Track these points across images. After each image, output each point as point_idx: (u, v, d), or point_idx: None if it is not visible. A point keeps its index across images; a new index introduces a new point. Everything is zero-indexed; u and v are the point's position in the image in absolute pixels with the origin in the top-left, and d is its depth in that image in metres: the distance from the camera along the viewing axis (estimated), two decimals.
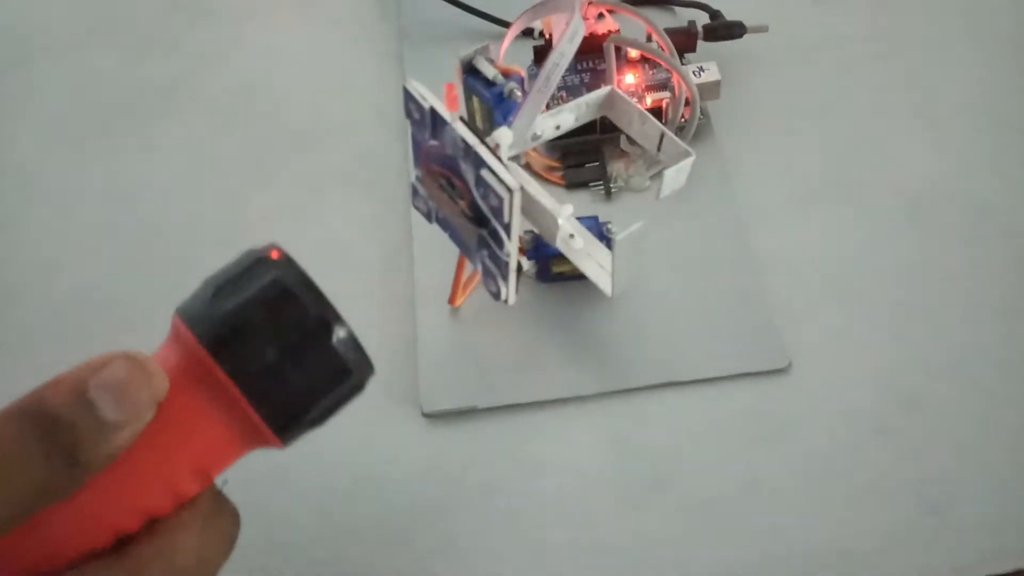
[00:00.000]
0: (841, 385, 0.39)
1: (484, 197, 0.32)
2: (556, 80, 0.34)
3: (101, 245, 0.45)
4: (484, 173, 0.31)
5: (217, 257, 0.43)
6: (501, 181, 0.31)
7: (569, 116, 0.37)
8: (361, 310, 0.41)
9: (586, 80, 0.46)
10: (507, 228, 0.32)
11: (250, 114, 0.49)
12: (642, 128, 0.36)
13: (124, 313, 0.42)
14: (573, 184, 0.45)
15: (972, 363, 0.39)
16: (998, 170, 0.45)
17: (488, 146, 0.32)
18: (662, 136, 0.36)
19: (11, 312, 0.43)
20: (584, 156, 0.45)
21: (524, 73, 0.36)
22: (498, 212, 0.31)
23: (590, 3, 0.45)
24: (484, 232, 0.33)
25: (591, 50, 0.45)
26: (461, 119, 0.32)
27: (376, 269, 0.43)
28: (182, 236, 0.45)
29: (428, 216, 0.37)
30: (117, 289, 0.43)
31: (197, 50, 0.52)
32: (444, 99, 0.32)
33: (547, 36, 0.47)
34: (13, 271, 0.44)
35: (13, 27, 0.54)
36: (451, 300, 0.41)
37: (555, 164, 0.45)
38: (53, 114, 0.50)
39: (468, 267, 0.39)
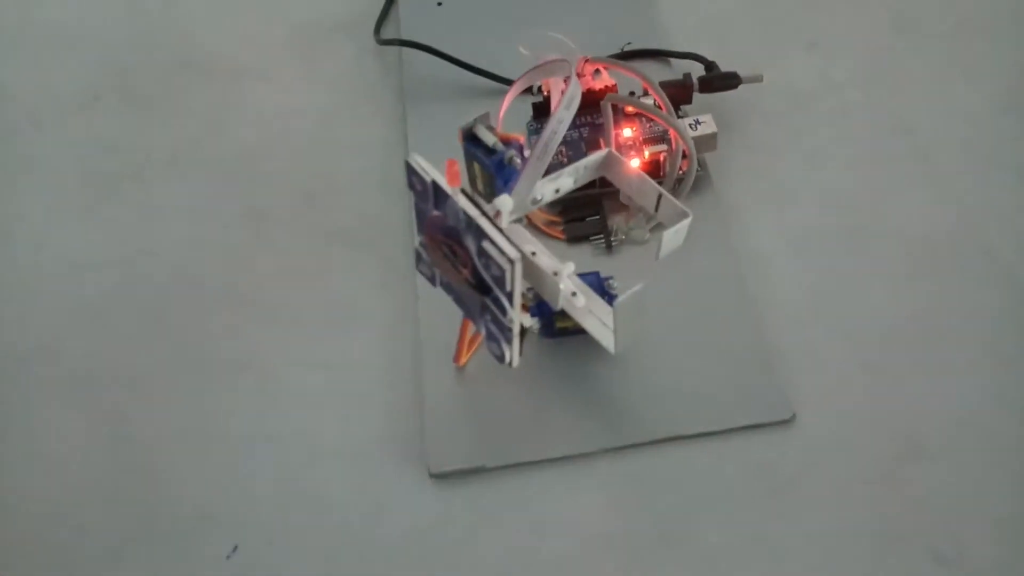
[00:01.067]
0: (846, 435, 0.39)
1: (486, 267, 0.32)
2: (555, 147, 0.35)
3: (109, 309, 0.45)
4: (486, 245, 0.32)
5: (225, 319, 0.44)
6: (502, 252, 0.31)
7: (568, 180, 0.37)
8: (369, 370, 0.42)
9: (584, 135, 0.47)
10: (510, 296, 0.32)
11: (255, 174, 0.50)
12: (640, 189, 0.37)
13: (132, 378, 0.43)
14: (574, 238, 0.45)
15: (978, 409, 0.39)
16: (998, 213, 0.45)
17: (489, 216, 0.32)
18: (659, 197, 0.36)
19: (19, 380, 0.43)
20: (584, 210, 0.46)
21: (523, 139, 0.37)
22: (500, 281, 0.32)
23: (586, 61, 0.46)
24: (487, 299, 0.34)
25: (589, 105, 0.46)
26: (463, 191, 0.33)
27: (382, 329, 0.44)
28: (189, 299, 0.46)
29: (432, 280, 0.38)
30: (125, 354, 0.44)
31: (201, 112, 0.53)
32: (445, 173, 0.32)
33: (545, 93, 0.47)
34: (23, 338, 0.45)
35: (21, 92, 0.56)
36: (456, 359, 0.41)
37: (555, 219, 0.46)
38: (60, 179, 0.51)
39: (472, 328, 0.40)
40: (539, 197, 0.37)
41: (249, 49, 0.56)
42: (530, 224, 0.45)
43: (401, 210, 0.48)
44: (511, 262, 0.31)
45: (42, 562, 0.38)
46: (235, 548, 0.38)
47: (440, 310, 0.41)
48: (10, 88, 0.56)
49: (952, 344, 0.41)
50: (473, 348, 0.41)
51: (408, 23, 0.56)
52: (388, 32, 0.56)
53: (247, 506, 0.39)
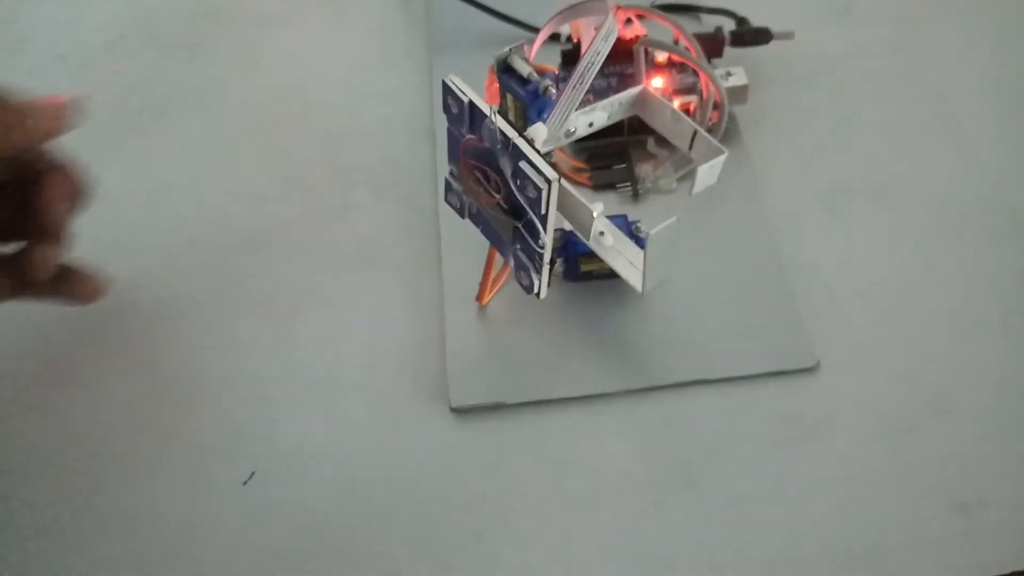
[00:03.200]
0: (869, 385, 0.39)
1: (522, 189, 0.32)
2: (591, 77, 0.34)
3: (135, 243, 0.45)
4: (523, 164, 0.31)
5: (249, 258, 0.44)
6: (540, 172, 0.31)
7: (602, 114, 0.37)
8: (391, 308, 0.42)
9: (613, 84, 0.46)
10: (543, 219, 0.32)
11: (280, 118, 0.50)
12: (675, 127, 0.37)
13: (158, 311, 0.43)
14: (600, 185, 0.45)
15: (1001, 365, 0.39)
16: (1022, 177, 0.45)
17: (526, 139, 0.32)
18: (695, 134, 0.36)
19: (50, 312, 0.43)
20: (611, 158, 0.45)
21: (558, 71, 0.36)
22: (535, 203, 0.32)
23: (619, 7, 0.46)
24: (519, 224, 0.34)
25: (619, 55, 0.46)
26: (498, 112, 0.32)
27: (405, 268, 0.43)
28: (214, 235, 0.45)
29: (460, 211, 0.38)
30: (149, 286, 0.44)
31: (226, 56, 0.53)
32: (484, 95, 0.32)
33: (575, 40, 0.47)
34: None
35: (47, 32, 0.55)
36: (479, 298, 0.41)
37: (582, 165, 0.45)
38: (85, 117, 0.51)
39: (496, 264, 0.40)
40: (573, 129, 0.36)
41: None
42: (556, 169, 0.45)
43: (425, 155, 0.47)
44: (548, 181, 0.31)
45: (70, 485, 0.38)
46: (252, 474, 0.38)
47: (463, 250, 0.41)
48: (34, 27, 0.56)
49: (976, 302, 0.41)
50: (496, 287, 0.41)
51: None
52: None
53: (267, 436, 0.39)
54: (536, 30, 0.49)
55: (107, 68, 0.53)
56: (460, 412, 0.39)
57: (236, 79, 0.52)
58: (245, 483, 0.37)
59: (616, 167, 0.45)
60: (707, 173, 0.35)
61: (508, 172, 0.32)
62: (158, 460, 0.38)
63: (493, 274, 0.40)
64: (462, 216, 0.38)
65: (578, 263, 0.41)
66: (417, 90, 0.50)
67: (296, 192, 0.47)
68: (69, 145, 0.49)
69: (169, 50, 0.54)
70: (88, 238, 0.45)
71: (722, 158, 0.35)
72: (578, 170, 0.45)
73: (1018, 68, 0.50)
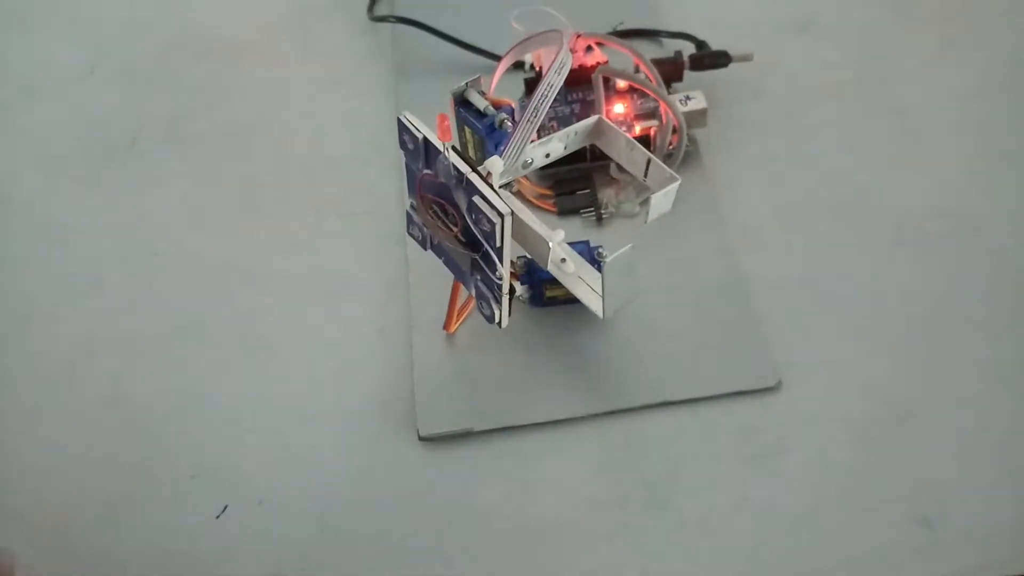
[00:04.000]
0: (831, 401, 0.40)
1: (476, 223, 0.33)
2: (544, 110, 0.35)
3: (105, 278, 0.46)
4: (476, 200, 0.32)
5: (218, 289, 0.44)
6: (492, 207, 0.32)
7: (558, 144, 0.38)
8: (360, 337, 0.43)
9: (576, 111, 0.47)
10: (499, 252, 0.33)
11: (249, 148, 0.51)
12: (629, 155, 0.38)
13: (128, 344, 0.43)
14: (565, 211, 0.46)
15: (961, 377, 0.40)
16: (982, 188, 0.46)
17: (480, 174, 0.33)
18: (648, 162, 0.37)
19: (17, 345, 0.43)
20: (575, 184, 0.46)
21: (514, 104, 0.37)
22: (490, 236, 0.32)
23: (579, 36, 0.46)
24: (477, 256, 0.34)
25: (581, 81, 0.47)
26: (453, 148, 0.33)
27: (373, 297, 0.44)
28: (183, 268, 0.46)
29: (423, 243, 0.38)
30: (121, 321, 0.44)
31: (196, 86, 0.54)
32: (437, 130, 0.33)
33: (537, 68, 0.48)
34: (18, 304, 0.45)
35: (16, 65, 0.56)
36: (446, 327, 0.41)
37: (546, 192, 0.46)
38: (57, 150, 0.52)
39: (462, 295, 0.40)
40: (529, 160, 0.37)
41: (244, 26, 0.57)
42: (520, 196, 0.46)
43: (391, 182, 0.48)
44: (501, 216, 0.31)
45: (37, 523, 0.38)
46: (225, 508, 0.38)
47: (430, 279, 0.42)
48: (4, 62, 0.56)
49: (938, 316, 0.42)
50: (463, 316, 0.41)
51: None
52: (381, 9, 0.56)
53: (238, 468, 0.39)
54: (499, 58, 0.50)
55: (78, 102, 0.54)
56: (429, 440, 0.39)
57: (206, 111, 0.52)
58: (218, 517, 0.38)
59: (579, 193, 0.46)
60: (661, 201, 0.36)
61: (463, 206, 0.33)
62: (130, 494, 0.39)
63: (459, 303, 0.41)
64: (424, 248, 0.38)
65: (542, 289, 0.41)
66: (383, 118, 0.51)
67: (265, 222, 0.47)
68: (40, 186, 0.50)
69: (140, 82, 0.54)
70: (54, 276, 0.46)
71: (675, 185, 0.36)
72: (542, 196, 0.46)
73: (976, 80, 0.51)
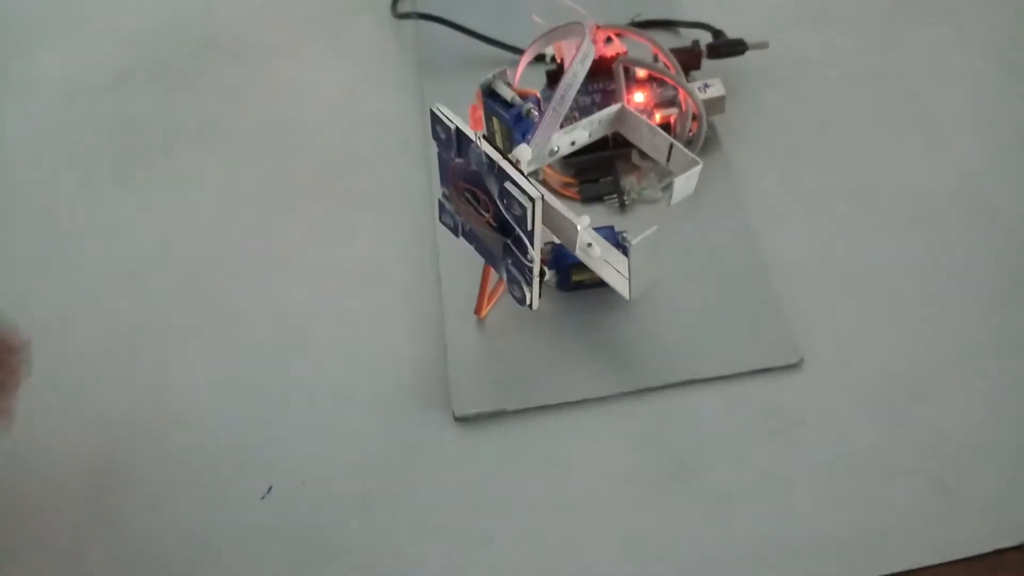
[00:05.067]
0: (851, 377, 0.41)
1: (508, 208, 0.34)
2: (570, 99, 0.36)
3: (145, 276, 0.47)
4: (508, 185, 0.33)
5: (257, 280, 0.46)
6: (524, 191, 0.33)
7: (583, 132, 0.39)
8: (395, 324, 0.44)
9: (597, 100, 0.49)
10: (530, 235, 0.34)
11: (281, 146, 0.52)
12: (652, 141, 0.39)
13: (169, 335, 0.45)
14: (588, 198, 0.47)
15: (975, 352, 0.41)
16: (996, 172, 0.47)
17: (510, 161, 0.34)
18: (671, 147, 0.38)
19: (64, 344, 0.45)
20: (598, 171, 0.47)
21: (539, 95, 0.39)
22: (521, 220, 0.34)
23: (599, 28, 0.48)
24: (508, 241, 0.36)
25: (601, 72, 0.48)
26: (484, 137, 0.35)
27: (407, 285, 0.45)
28: (222, 262, 0.47)
29: (455, 230, 0.40)
30: (163, 314, 0.46)
31: (228, 88, 0.55)
32: (468, 120, 0.34)
33: (558, 61, 0.49)
34: (64, 304, 0.47)
35: (54, 72, 0.58)
36: (477, 311, 0.43)
37: (571, 180, 0.47)
38: (94, 154, 0.53)
39: (492, 280, 0.42)
40: (555, 148, 0.38)
41: (272, 27, 0.58)
42: (546, 184, 0.47)
43: (420, 176, 0.50)
44: (532, 200, 0.33)
45: (88, 508, 0.40)
46: (270, 489, 0.40)
47: (461, 266, 0.43)
48: (44, 68, 0.58)
49: (953, 294, 0.43)
50: (493, 300, 0.43)
51: None
52: (404, 6, 0.58)
53: (281, 450, 0.41)
54: (520, 51, 0.52)
55: (114, 106, 0.55)
56: (464, 420, 0.41)
57: (238, 111, 0.54)
58: (263, 497, 0.40)
59: (603, 180, 0.47)
60: (684, 184, 0.37)
61: (495, 192, 0.35)
62: (180, 475, 0.40)
63: (489, 288, 0.42)
64: (456, 235, 0.40)
65: (569, 273, 0.43)
66: (410, 114, 0.53)
67: (299, 218, 0.49)
68: (78, 190, 0.51)
69: (174, 85, 0.56)
70: (98, 275, 0.48)
71: (697, 168, 0.37)
72: (567, 185, 0.47)
73: (988, 65, 0.52)
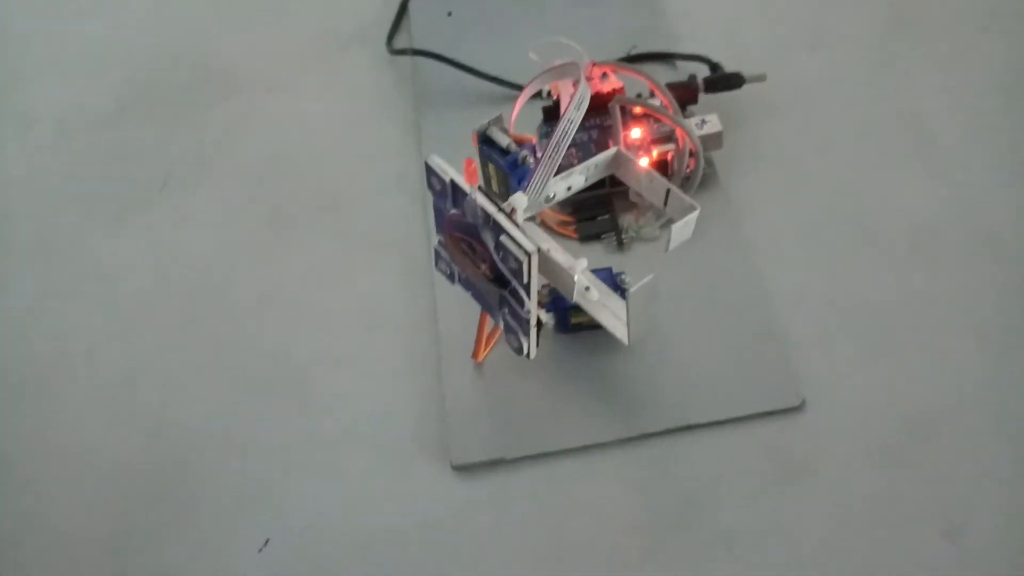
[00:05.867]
0: (855, 419, 0.40)
1: (504, 260, 0.34)
2: (565, 146, 0.36)
3: (143, 314, 0.47)
4: (503, 239, 0.33)
5: (254, 321, 0.46)
6: (519, 245, 0.33)
7: (579, 178, 0.39)
8: (392, 367, 0.44)
9: (594, 137, 0.48)
10: (526, 288, 0.34)
11: (277, 182, 0.52)
12: (649, 185, 0.39)
13: (168, 382, 0.45)
14: (586, 237, 0.47)
15: (982, 388, 0.41)
16: (998, 199, 0.47)
17: (505, 212, 0.34)
18: (668, 192, 0.38)
19: (58, 385, 0.45)
20: (595, 209, 0.47)
21: (535, 139, 0.38)
22: (517, 274, 0.33)
23: (594, 64, 0.47)
24: (505, 292, 0.35)
25: (598, 108, 0.47)
26: (479, 188, 0.34)
27: (404, 327, 0.45)
28: (219, 302, 0.47)
29: (451, 278, 0.39)
30: (160, 356, 0.46)
31: (224, 123, 0.55)
32: (464, 172, 0.34)
33: (555, 96, 0.49)
34: (61, 344, 0.47)
35: (50, 105, 0.58)
36: (475, 355, 0.43)
37: (568, 219, 0.47)
38: (92, 189, 0.53)
39: (489, 322, 0.41)
40: (552, 195, 0.38)
41: (268, 62, 0.58)
42: (543, 224, 0.47)
43: (418, 213, 0.49)
44: (527, 254, 0.32)
45: (88, 553, 0.39)
46: (267, 541, 0.39)
47: (458, 308, 0.43)
48: (41, 104, 0.58)
49: (958, 328, 0.43)
50: (491, 344, 0.42)
51: (419, 33, 0.57)
52: (400, 42, 0.57)
53: (278, 500, 0.40)
54: (516, 86, 0.52)
55: (110, 140, 0.55)
56: (461, 469, 0.40)
57: (234, 146, 0.54)
58: (260, 550, 0.39)
59: (600, 218, 0.47)
60: (681, 229, 0.36)
61: (491, 245, 0.34)
62: (176, 526, 0.40)
63: (486, 332, 0.42)
64: (452, 282, 0.39)
65: (568, 316, 0.42)
66: (407, 149, 0.52)
67: (297, 257, 0.49)
68: (77, 227, 0.51)
69: (170, 120, 0.56)
70: (95, 315, 0.47)
71: (695, 214, 0.36)
72: (564, 223, 0.47)
73: (988, 89, 0.51)
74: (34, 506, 0.41)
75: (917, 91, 0.52)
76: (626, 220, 0.47)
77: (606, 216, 0.47)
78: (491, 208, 0.33)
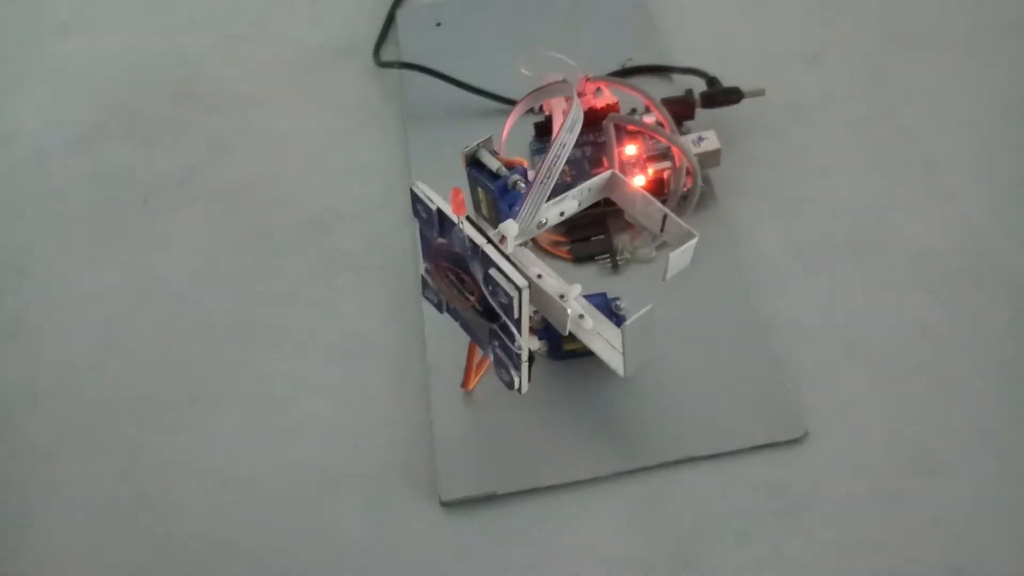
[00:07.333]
0: (857, 450, 0.39)
1: (493, 294, 0.32)
2: (558, 171, 0.35)
3: (121, 341, 0.45)
4: (492, 272, 0.31)
5: (235, 346, 0.44)
6: (509, 280, 0.31)
7: (572, 203, 0.37)
8: (378, 397, 0.42)
9: (588, 153, 0.47)
10: (517, 324, 0.32)
11: (261, 201, 0.50)
12: (645, 210, 0.37)
13: (145, 411, 0.43)
14: (580, 258, 0.45)
15: (985, 419, 0.39)
16: (1002, 224, 0.45)
17: (494, 242, 0.32)
18: (665, 217, 0.36)
19: (37, 414, 0.43)
20: (590, 230, 0.45)
21: (526, 162, 0.37)
22: (508, 309, 0.32)
23: (588, 79, 0.46)
24: (495, 326, 0.34)
25: (591, 123, 0.46)
26: (467, 218, 0.33)
27: (391, 354, 0.43)
28: (199, 326, 0.45)
29: (439, 307, 0.38)
30: (138, 384, 0.44)
31: (206, 140, 0.53)
32: (451, 202, 0.32)
33: (547, 112, 0.47)
34: (38, 372, 0.45)
35: (28, 124, 0.56)
36: (464, 383, 0.41)
37: (561, 239, 0.45)
38: (70, 211, 0.51)
39: (479, 353, 0.40)
40: (544, 221, 0.36)
41: (250, 76, 0.56)
42: (536, 245, 0.45)
43: (407, 233, 0.48)
44: (518, 289, 0.31)
45: None
46: None
47: (447, 335, 0.41)
48: (17, 122, 0.56)
49: (962, 357, 0.41)
50: (480, 373, 0.41)
51: (407, 45, 0.56)
52: (388, 54, 0.56)
53: (259, 540, 0.39)
54: (506, 100, 0.50)
55: (89, 159, 0.53)
56: (451, 505, 0.39)
57: (216, 164, 0.52)
58: None
59: (594, 239, 0.45)
60: (679, 257, 0.35)
61: (480, 277, 0.33)
62: (152, 567, 0.38)
63: (476, 360, 0.40)
64: (440, 311, 0.38)
65: (561, 343, 0.41)
66: (395, 166, 0.51)
67: (280, 279, 0.47)
68: (54, 252, 0.49)
69: (150, 138, 0.54)
70: (71, 340, 0.46)
71: (693, 242, 0.35)
72: (557, 244, 0.45)
73: (989, 109, 0.50)
74: (5, 538, 0.39)
75: (916, 109, 0.50)
76: (621, 241, 0.45)
77: (601, 236, 0.45)
78: (480, 239, 0.32)
